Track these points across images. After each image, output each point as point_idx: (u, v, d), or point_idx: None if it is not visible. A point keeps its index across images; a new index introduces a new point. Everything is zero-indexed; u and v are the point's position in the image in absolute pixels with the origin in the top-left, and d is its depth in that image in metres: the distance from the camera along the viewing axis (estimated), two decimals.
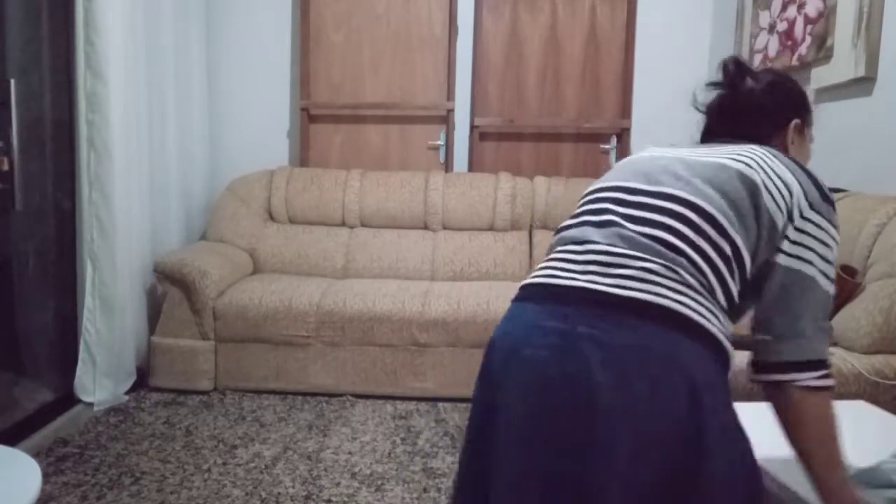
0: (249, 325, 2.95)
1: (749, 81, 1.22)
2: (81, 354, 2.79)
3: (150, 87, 3.08)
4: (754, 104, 1.21)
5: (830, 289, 1.02)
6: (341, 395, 2.98)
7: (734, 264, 1.00)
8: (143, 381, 3.03)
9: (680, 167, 1.07)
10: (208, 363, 2.98)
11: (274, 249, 3.49)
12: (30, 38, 2.66)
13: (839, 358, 1.72)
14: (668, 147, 1.18)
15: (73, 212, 2.83)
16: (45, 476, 2.20)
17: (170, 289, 3.00)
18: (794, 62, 2.87)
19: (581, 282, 0.98)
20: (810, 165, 1.17)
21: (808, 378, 0.97)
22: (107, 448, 2.44)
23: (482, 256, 3.45)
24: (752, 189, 1.01)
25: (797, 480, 1.08)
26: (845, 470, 1.00)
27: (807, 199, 1.04)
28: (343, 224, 3.59)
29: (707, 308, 0.96)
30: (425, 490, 2.20)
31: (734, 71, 1.23)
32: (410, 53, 3.81)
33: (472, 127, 3.83)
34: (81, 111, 2.74)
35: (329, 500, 2.12)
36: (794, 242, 1.02)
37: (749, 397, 1.37)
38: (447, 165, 3.82)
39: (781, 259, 1.01)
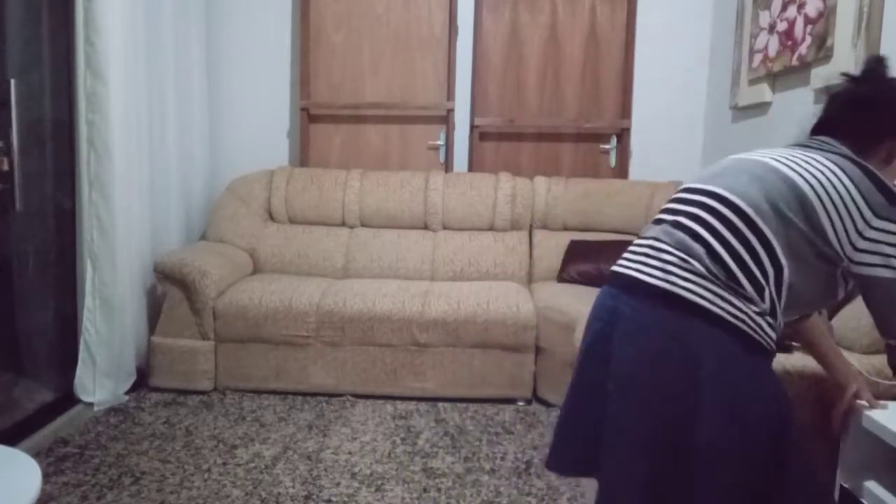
0: (249, 325, 2.95)
1: (886, 81, 1.26)
2: (81, 354, 2.80)
3: (150, 87, 3.08)
4: (879, 103, 1.25)
5: None
6: (341, 395, 2.98)
7: (763, 256, 1.14)
8: (143, 381, 3.03)
9: (742, 170, 1.21)
10: (208, 363, 2.98)
11: (274, 249, 3.49)
12: (30, 38, 2.66)
13: None
14: (775, 150, 1.28)
15: (73, 212, 2.83)
16: (45, 476, 2.20)
17: (170, 289, 3.00)
18: (794, 62, 2.87)
19: (631, 271, 1.23)
20: None
21: None
22: (107, 448, 2.44)
23: (482, 256, 3.45)
24: (802, 198, 1.14)
25: None
26: None
27: (870, 207, 1.14)
28: (343, 224, 3.59)
29: (718, 295, 1.13)
30: (425, 490, 2.20)
31: (875, 66, 1.26)
32: (410, 53, 3.81)
33: (472, 127, 3.83)
34: (81, 111, 2.74)
35: (329, 500, 2.12)
36: (864, 251, 1.14)
37: None
38: (447, 165, 3.82)
39: (855, 269, 1.16)
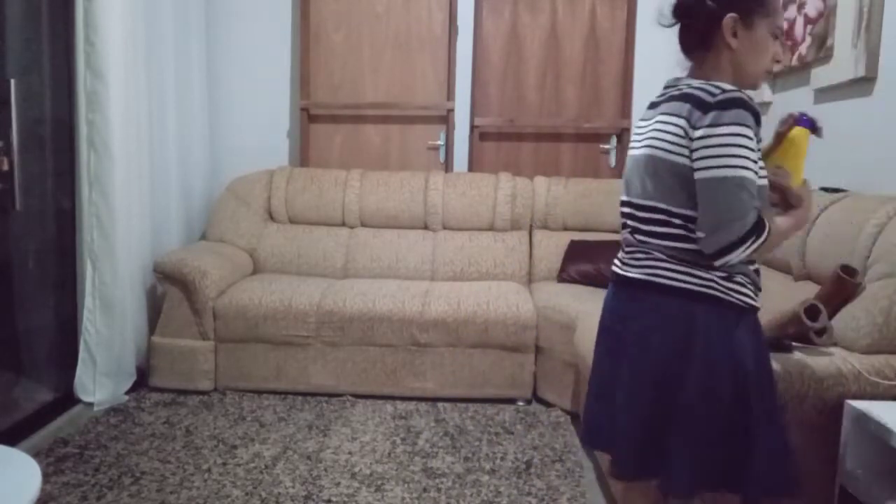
0: (249, 325, 2.95)
1: None
2: (81, 354, 2.80)
3: (150, 87, 3.08)
4: (686, 11, 1.39)
5: (734, 174, 1.25)
6: (341, 395, 2.98)
7: (688, 223, 1.33)
8: (143, 381, 3.03)
9: (633, 170, 1.46)
10: (208, 363, 2.98)
11: (274, 249, 3.49)
12: (30, 38, 2.66)
13: (839, 358, 1.72)
14: (640, 121, 1.50)
15: (73, 212, 2.83)
16: (45, 476, 2.20)
17: (170, 289, 3.00)
18: (794, 62, 2.87)
19: (620, 270, 1.49)
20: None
21: (742, 250, 1.28)
22: (107, 448, 2.44)
23: (482, 256, 3.45)
24: (662, 162, 1.34)
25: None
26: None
27: (691, 125, 1.29)
28: (343, 224, 3.59)
29: (685, 273, 1.35)
30: (425, 490, 2.20)
31: None
32: (410, 53, 3.81)
33: (472, 127, 3.83)
34: (81, 111, 2.74)
35: (329, 500, 2.12)
36: (693, 161, 1.29)
37: None
38: (447, 165, 3.82)
39: (695, 176, 1.29)
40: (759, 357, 1.36)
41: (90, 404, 2.78)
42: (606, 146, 3.87)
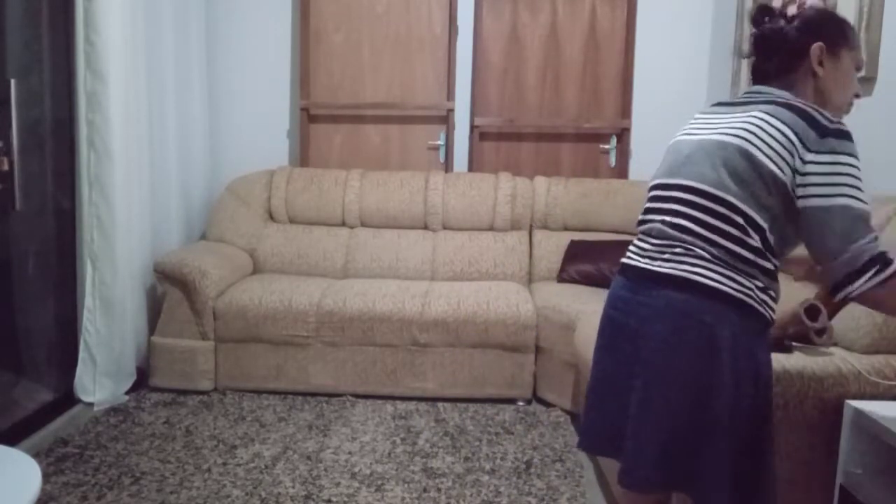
0: (249, 325, 2.95)
1: (770, 19, 1.40)
2: (81, 354, 2.80)
3: (150, 87, 3.08)
4: (773, 36, 1.39)
5: (856, 205, 1.19)
6: (341, 395, 2.98)
7: (750, 228, 1.25)
8: (143, 381, 3.03)
9: (698, 154, 1.33)
10: (208, 363, 2.98)
11: (274, 249, 3.49)
12: (30, 38, 2.66)
13: (839, 358, 1.72)
14: (701, 115, 1.44)
15: (73, 212, 2.83)
16: (45, 476, 2.20)
17: (170, 289, 3.00)
18: None
19: (641, 263, 1.37)
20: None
21: (863, 282, 1.18)
22: (107, 448, 2.44)
23: (482, 256, 3.45)
24: (750, 159, 1.24)
25: None
26: None
27: (804, 145, 1.22)
28: (343, 224, 3.59)
29: (723, 274, 1.26)
30: (425, 490, 2.20)
31: (756, 13, 1.42)
32: (410, 53, 3.81)
33: (472, 127, 3.83)
34: (81, 111, 2.74)
35: (329, 500, 2.12)
36: (801, 185, 1.21)
37: None
38: (447, 165, 3.82)
39: (800, 203, 1.22)
40: (770, 373, 1.33)
41: (90, 404, 2.78)
42: (606, 146, 3.87)
